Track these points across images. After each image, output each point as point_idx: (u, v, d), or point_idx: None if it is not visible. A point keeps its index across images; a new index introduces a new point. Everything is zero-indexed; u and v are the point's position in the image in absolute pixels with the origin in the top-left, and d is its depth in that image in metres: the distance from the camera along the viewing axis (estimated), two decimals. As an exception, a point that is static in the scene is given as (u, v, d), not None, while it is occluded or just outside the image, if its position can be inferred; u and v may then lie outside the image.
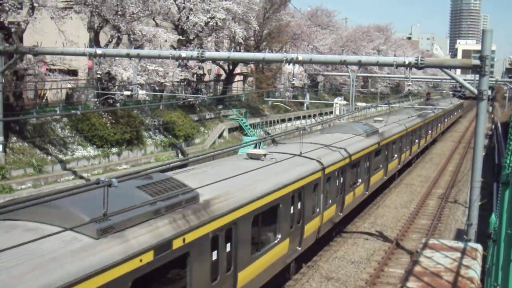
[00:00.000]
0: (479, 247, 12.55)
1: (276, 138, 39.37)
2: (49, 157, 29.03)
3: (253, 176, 14.64)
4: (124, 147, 33.88)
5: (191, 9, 40.00)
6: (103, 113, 32.46)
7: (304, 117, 63.59)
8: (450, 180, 39.23)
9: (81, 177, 28.98)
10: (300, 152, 18.67)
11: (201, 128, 43.66)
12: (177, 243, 10.64)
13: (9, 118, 26.31)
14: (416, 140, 42.73)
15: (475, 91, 17.85)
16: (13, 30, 28.11)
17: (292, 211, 17.04)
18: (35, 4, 27.63)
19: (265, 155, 17.94)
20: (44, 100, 35.88)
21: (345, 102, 44.71)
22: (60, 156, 29.78)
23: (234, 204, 13.12)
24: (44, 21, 29.13)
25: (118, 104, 35.86)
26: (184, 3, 39.73)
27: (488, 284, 11.97)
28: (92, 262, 8.57)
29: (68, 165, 29.64)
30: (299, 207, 17.63)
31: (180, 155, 37.75)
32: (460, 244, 12.71)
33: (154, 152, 36.55)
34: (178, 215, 11.01)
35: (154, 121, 39.09)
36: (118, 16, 32.37)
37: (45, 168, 28.15)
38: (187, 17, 40.22)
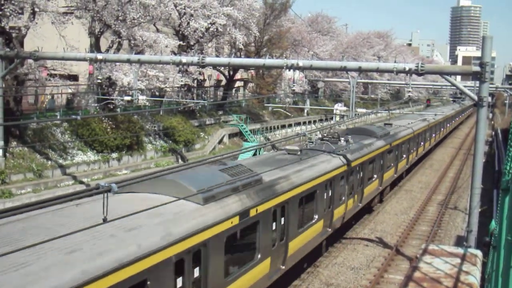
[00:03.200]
0: (479, 253, 12.52)
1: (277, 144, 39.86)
2: (49, 162, 29.02)
3: (296, 167, 18.38)
4: (124, 152, 33.87)
5: (191, 15, 40.09)
6: (103, 118, 32.47)
7: (304, 123, 63.60)
8: (450, 187, 39.19)
9: (81, 182, 28.98)
10: (331, 150, 22.54)
11: (201, 133, 43.67)
12: (252, 212, 13.92)
13: (9, 122, 26.31)
14: (421, 143, 45.62)
15: (475, 98, 17.86)
16: (14, 35, 28.17)
17: (325, 196, 20.20)
18: (36, 9, 27.71)
19: (300, 151, 21.24)
20: (44, 105, 35.90)
21: (345, 108, 44.80)
22: (60, 161, 29.77)
23: (287, 187, 16.48)
24: (45, 26, 29.19)
25: (118, 109, 35.89)
26: (184, 9, 39.82)
27: (488, 291, 11.94)
28: (201, 221, 11.62)
29: (68, 170, 29.63)
30: (330, 194, 20.79)
31: (180, 160, 37.75)
32: (460, 250, 12.68)
33: (154, 158, 36.54)
34: (251, 192, 14.25)
35: (154, 127, 39.10)
36: (119, 22, 32.43)
37: (45, 173, 28.14)
38: (188, 23, 40.30)
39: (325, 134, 25.20)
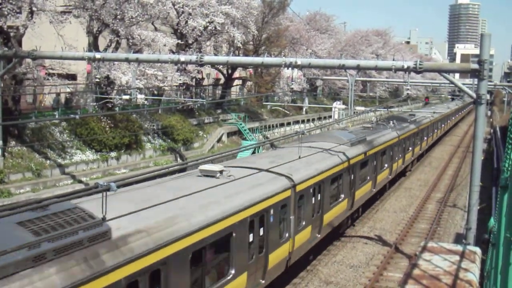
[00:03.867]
0: (478, 250, 12.53)
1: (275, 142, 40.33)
2: (48, 161, 29.00)
3: (375, 135, 29.83)
4: (123, 151, 33.85)
5: (190, 14, 40.05)
6: (102, 117, 32.44)
7: (303, 121, 63.60)
8: (449, 184, 39.21)
9: (80, 181, 28.96)
10: (386, 128, 34.33)
11: (200, 132, 43.65)
12: (368, 153, 26.06)
13: (8, 122, 26.27)
14: (435, 130, 56.77)
15: (474, 95, 17.88)
16: (12, 34, 28.13)
17: (390, 155, 32.20)
18: (34, 9, 27.65)
19: (372, 127, 33.65)
20: (42, 104, 35.87)
21: (344, 106, 44.81)
22: (59, 160, 29.75)
23: (377, 144, 28.47)
24: (43, 26, 29.15)
25: (117, 108, 35.87)
26: (183, 7, 39.79)
27: (487, 288, 11.95)
28: (352, 153, 23.44)
29: (67, 169, 29.62)
30: (392, 154, 32.69)
31: (179, 159, 37.73)
32: (459, 247, 12.69)
33: (153, 156, 36.53)
34: (365, 143, 26.33)
35: (153, 125, 39.08)
36: (117, 20, 32.41)
37: (43, 172, 28.12)
38: (186, 22, 40.27)
39: (378, 119, 37.96)
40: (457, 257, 11.66)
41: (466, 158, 51.35)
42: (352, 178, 23.74)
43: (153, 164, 35.21)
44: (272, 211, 15.04)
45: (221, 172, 14.74)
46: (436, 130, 57.15)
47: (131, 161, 34.48)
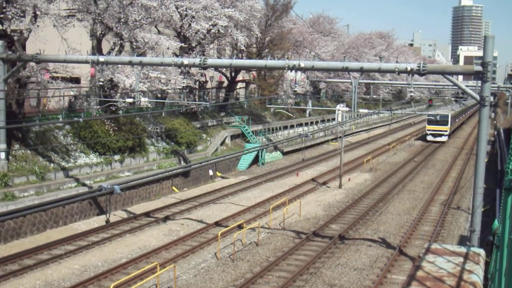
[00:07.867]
0: (481, 251, 12.48)
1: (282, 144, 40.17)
2: (52, 165, 29.06)
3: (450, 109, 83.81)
4: (126, 154, 33.90)
5: (193, 17, 40.12)
6: (105, 121, 32.49)
7: (306, 124, 63.58)
8: (453, 186, 39.13)
9: (84, 184, 29.00)
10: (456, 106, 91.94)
11: (203, 135, 43.67)
12: (454, 114, 78.09)
13: (12, 125, 26.33)
14: (464, 114, 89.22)
15: (477, 97, 17.87)
16: (16, 38, 28.19)
17: (464, 115, 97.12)
18: (38, 12, 27.73)
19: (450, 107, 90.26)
20: (46, 107, 35.94)
21: (347, 109, 44.84)
22: (63, 163, 29.81)
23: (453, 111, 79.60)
24: (46, 29, 29.23)
25: (120, 112, 35.92)
26: (186, 10, 39.85)
27: (492, 290, 11.90)
28: (453, 114, 76.29)
29: (71, 173, 29.67)
30: (464, 115, 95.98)
31: (182, 162, 37.76)
32: (463, 249, 12.64)
33: (156, 159, 36.57)
34: (459, 110, 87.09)
35: (157, 128, 39.13)
36: (121, 24, 32.46)
37: (47, 175, 28.18)
38: (189, 25, 40.33)
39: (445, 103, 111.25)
40: (461, 259, 11.63)
41: (469, 160, 51.26)
42: (452, 120, 67.84)
43: (157, 167, 35.24)
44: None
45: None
46: (464, 114, 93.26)
47: (135, 164, 34.53)
